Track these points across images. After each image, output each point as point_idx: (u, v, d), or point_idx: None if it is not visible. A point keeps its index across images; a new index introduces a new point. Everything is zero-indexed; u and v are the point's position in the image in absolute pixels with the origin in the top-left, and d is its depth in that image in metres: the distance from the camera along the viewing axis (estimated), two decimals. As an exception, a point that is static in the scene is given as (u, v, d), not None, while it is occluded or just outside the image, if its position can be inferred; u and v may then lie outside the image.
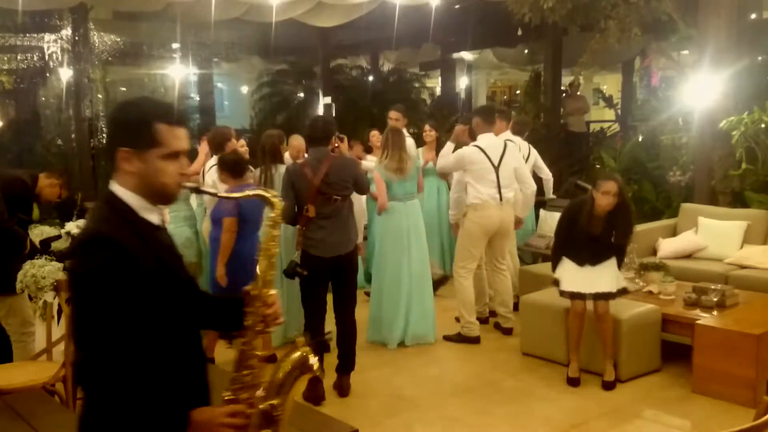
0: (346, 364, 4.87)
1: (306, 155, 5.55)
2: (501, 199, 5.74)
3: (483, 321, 6.12)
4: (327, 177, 4.68)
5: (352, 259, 4.82)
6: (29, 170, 5.26)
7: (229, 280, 5.07)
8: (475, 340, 5.82)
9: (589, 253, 4.85)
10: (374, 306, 5.84)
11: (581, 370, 4.96)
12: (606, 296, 4.80)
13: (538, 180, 7.44)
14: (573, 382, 4.91)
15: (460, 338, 5.84)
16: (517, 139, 6.75)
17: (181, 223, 5.99)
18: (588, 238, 4.81)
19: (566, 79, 12.48)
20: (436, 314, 5.93)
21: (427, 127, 7.72)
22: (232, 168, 5.33)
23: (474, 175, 5.70)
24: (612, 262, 4.87)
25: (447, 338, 5.89)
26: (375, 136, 7.67)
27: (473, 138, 5.95)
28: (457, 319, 6.11)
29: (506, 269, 6.04)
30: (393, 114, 6.86)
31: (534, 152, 7.17)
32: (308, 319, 4.83)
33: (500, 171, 5.73)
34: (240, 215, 5.27)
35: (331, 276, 4.76)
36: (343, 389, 4.83)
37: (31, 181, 5.02)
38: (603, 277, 4.83)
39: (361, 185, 4.94)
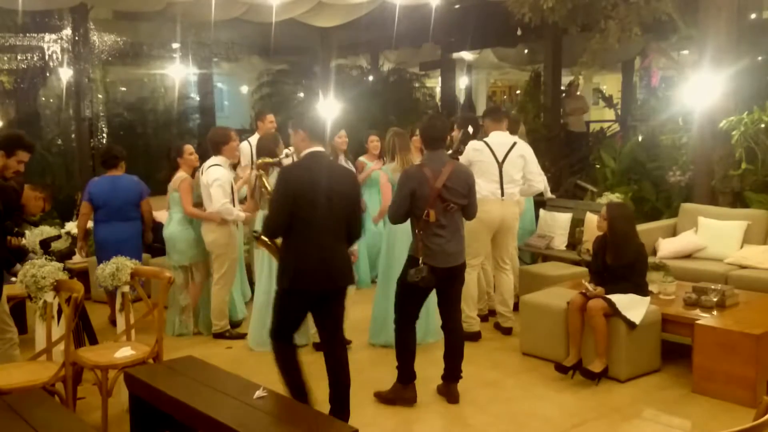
0: (453, 373, 4.70)
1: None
2: (503, 195, 5.76)
3: (483, 319, 6.12)
4: (448, 182, 4.43)
5: (462, 269, 4.66)
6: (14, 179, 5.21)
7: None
8: (476, 336, 5.82)
9: (603, 279, 5.07)
10: (378, 308, 5.78)
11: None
12: (610, 304, 4.85)
13: None
14: (561, 369, 4.93)
15: None
16: (515, 139, 6.74)
17: (186, 224, 6.01)
18: (604, 264, 5.09)
19: (566, 79, 12.49)
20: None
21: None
22: (102, 160, 6.35)
23: (476, 169, 5.67)
24: (627, 295, 4.93)
25: None
26: (373, 141, 7.61)
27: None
28: None
29: (509, 269, 6.05)
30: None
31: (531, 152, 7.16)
32: (402, 327, 4.60)
33: (504, 167, 5.78)
34: (90, 201, 6.13)
35: (439, 285, 4.54)
36: (452, 396, 4.67)
37: (20, 189, 4.96)
38: (618, 296, 4.91)
39: (475, 195, 4.68)
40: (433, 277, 4.40)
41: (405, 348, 4.61)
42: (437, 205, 4.42)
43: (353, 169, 5.95)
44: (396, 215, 4.54)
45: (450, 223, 4.50)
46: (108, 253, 5.38)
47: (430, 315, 5.75)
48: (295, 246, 3.96)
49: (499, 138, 5.88)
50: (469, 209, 4.65)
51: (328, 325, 4.15)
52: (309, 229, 3.92)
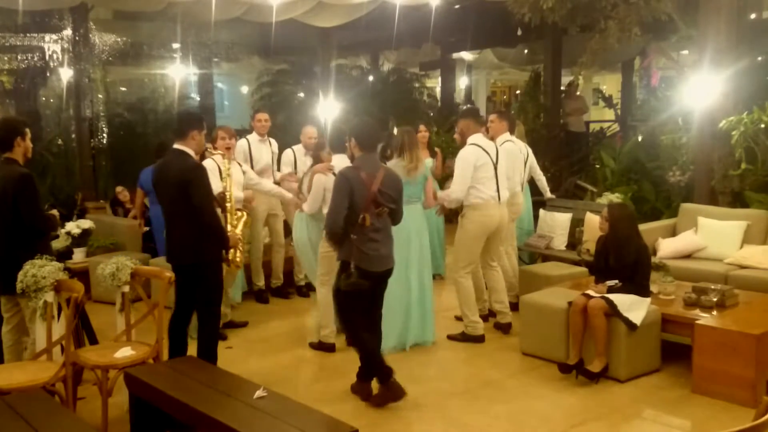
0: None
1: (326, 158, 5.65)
2: (499, 198, 5.74)
3: (483, 319, 6.10)
4: (382, 186, 4.49)
5: (391, 272, 4.73)
6: None
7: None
8: (480, 339, 5.79)
9: (605, 279, 5.05)
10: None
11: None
12: (610, 304, 4.84)
13: (533, 181, 7.43)
14: (564, 368, 4.93)
15: (464, 337, 5.82)
16: (515, 139, 6.74)
17: None
18: (607, 265, 5.08)
19: (566, 79, 12.50)
20: (434, 316, 5.91)
21: (422, 127, 7.74)
22: (156, 150, 7.08)
23: (477, 174, 5.64)
24: (628, 296, 4.92)
25: (451, 338, 5.86)
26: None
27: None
28: (457, 318, 6.10)
29: (497, 265, 6.03)
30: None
31: (530, 152, 7.15)
32: (355, 337, 4.63)
33: (498, 170, 5.74)
34: (141, 187, 7.49)
35: (371, 288, 4.56)
36: (395, 393, 4.59)
37: None
38: (619, 297, 4.91)
39: (401, 202, 4.72)
40: (365, 282, 4.41)
41: (366, 352, 4.59)
42: (371, 210, 4.46)
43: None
44: (335, 224, 4.44)
45: (384, 226, 4.57)
46: (160, 227, 6.47)
47: (427, 315, 5.75)
48: None
49: (484, 140, 5.78)
50: (396, 214, 4.68)
51: (197, 296, 4.68)
52: (164, 213, 4.80)
